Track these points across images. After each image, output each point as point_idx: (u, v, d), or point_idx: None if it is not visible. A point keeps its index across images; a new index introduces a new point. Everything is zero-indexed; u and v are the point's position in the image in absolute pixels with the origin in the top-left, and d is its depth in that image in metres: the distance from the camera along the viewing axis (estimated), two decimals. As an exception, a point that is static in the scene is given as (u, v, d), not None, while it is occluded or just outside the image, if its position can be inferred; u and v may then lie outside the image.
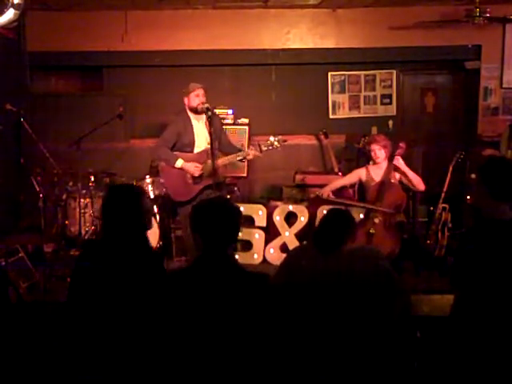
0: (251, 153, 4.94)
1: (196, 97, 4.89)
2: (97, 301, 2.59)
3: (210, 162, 4.81)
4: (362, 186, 5.21)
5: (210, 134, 4.71)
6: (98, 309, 2.58)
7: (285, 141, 5.01)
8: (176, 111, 5.12)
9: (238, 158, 4.96)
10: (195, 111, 4.93)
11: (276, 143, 4.92)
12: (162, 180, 5.24)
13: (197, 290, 2.46)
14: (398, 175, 5.10)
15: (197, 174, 4.89)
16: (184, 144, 4.95)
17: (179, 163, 4.89)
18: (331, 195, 5.08)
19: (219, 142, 4.98)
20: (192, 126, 4.97)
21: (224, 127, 5.49)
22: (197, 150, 4.98)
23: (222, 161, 4.89)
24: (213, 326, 2.41)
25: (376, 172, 5.09)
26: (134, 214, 2.68)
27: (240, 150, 5.12)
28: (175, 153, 4.95)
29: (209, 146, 4.87)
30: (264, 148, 4.91)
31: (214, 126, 4.90)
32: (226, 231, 2.52)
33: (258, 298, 2.46)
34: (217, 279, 2.46)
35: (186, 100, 4.96)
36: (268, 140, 4.94)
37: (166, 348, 2.47)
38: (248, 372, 2.41)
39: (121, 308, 2.57)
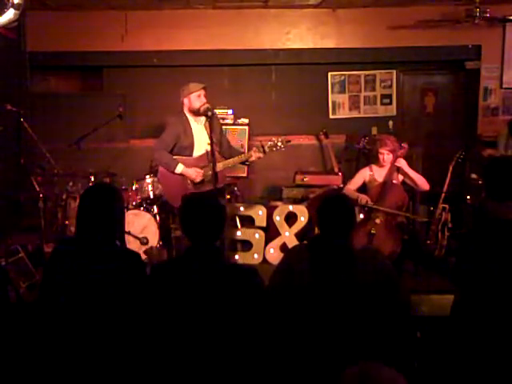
0: (254, 155, 4.65)
1: (198, 98, 4.63)
2: (72, 298, 2.60)
3: (211, 166, 4.50)
4: (363, 186, 5.19)
5: (210, 136, 4.40)
6: (75, 307, 2.59)
7: (288, 141, 4.76)
8: (173, 112, 4.86)
9: (240, 161, 4.73)
10: (196, 113, 4.66)
11: (280, 144, 4.68)
12: (159, 186, 5.00)
13: (183, 281, 2.46)
14: (400, 176, 5.08)
15: (198, 180, 4.62)
16: (183, 147, 4.66)
17: (179, 169, 4.61)
18: (369, 201, 4.89)
19: (220, 145, 4.74)
20: (191, 128, 4.69)
21: (224, 129, 5.23)
22: (196, 153, 4.69)
23: (223, 164, 4.62)
24: (199, 318, 2.40)
25: (379, 172, 5.06)
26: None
27: (241, 153, 4.88)
28: (175, 157, 4.66)
29: (209, 149, 4.54)
30: (267, 149, 4.67)
31: (214, 128, 4.64)
32: (212, 226, 2.55)
33: (246, 290, 2.45)
34: (205, 271, 2.47)
35: (186, 101, 4.68)
36: (271, 141, 4.71)
37: (153, 344, 2.47)
38: (238, 366, 2.40)
39: (99, 307, 2.57)
